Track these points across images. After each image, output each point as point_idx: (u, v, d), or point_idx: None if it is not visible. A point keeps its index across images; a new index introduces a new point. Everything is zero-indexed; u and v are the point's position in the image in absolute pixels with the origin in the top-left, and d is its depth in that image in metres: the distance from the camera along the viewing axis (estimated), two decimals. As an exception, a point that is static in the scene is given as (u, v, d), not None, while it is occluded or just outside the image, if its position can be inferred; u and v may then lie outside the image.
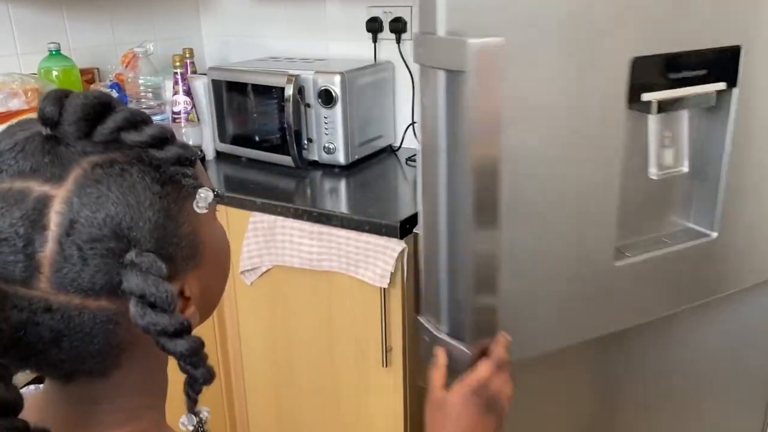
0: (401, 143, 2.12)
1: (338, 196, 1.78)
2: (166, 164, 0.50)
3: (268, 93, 1.91)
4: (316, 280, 1.65)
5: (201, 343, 0.50)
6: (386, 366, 1.61)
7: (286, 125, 1.85)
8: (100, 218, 0.46)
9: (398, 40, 2.04)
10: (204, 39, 2.46)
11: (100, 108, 0.48)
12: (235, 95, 1.99)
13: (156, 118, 1.79)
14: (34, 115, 0.49)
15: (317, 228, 1.60)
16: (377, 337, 1.60)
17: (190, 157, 0.52)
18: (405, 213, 1.55)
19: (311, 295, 1.68)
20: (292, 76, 1.84)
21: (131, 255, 0.46)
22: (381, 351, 1.60)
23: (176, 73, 1.95)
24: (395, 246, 1.51)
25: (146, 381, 0.55)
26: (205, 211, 0.52)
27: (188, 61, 2.04)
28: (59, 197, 0.45)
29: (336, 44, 2.18)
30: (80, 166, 0.47)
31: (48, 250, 0.45)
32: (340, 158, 1.90)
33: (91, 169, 0.47)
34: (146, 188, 0.48)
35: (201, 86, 2.01)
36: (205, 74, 2.06)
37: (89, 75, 2.06)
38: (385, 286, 1.53)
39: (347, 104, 1.86)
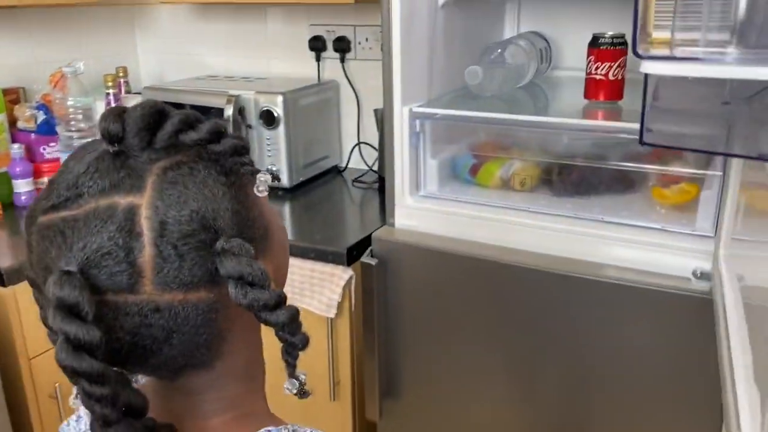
0: (347, 164, 2.06)
1: (282, 221, 1.71)
2: (224, 156, 0.53)
3: (207, 114, 1.82)
4: (260, 310, 1.56)
5: (297, 311, 0.54)
6: (334, 400, 1.54)
7: (226, 147, 1.77)
8: (186, 215, 0.49)
9: (342, 60, 1.99)
10: (140, 57, 2.35)
11: (157, 116, 0.51)
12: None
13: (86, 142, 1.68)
14: (96, 136, 0.53)
15: (260, 256, 1.52)
16: (325, 370, 1.53)
17: (246, 146, 0.55)
18: (352, 239, 1.50)
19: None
20: (232, 96, 1.77)
21: (221, 243, 0.49)
22: (329, 384, 1.53)
23: (108, 93, 1.85)
24: (342, 274, 1.45)
25: (245, 368, 0.59)
26: (266, 193, 0.56)
27: (121, 80, 1.94)
28: (144, 204, 0.48)
29: (278, 62, 2.12)
30: (153, 172, 0.50)
31: (147, 254, 0.48)
32: (284, 181, 1.83)
33: (163, 173, 0.50)
34: (215, 180, 0.51)
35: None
36: (140, 93, 1.96)
37: (14, 95, 1.93)
38: (332, 316, 1.46)
39: (290, 125, 1.79)
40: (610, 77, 1.27)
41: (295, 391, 0.61)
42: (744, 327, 0.85)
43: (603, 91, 1.29)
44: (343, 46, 1.97)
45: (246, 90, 1.81)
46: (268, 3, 1.99)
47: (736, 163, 0.99)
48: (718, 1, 0.48)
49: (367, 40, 1.95)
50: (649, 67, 0.51)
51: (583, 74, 1.35)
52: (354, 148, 2.05)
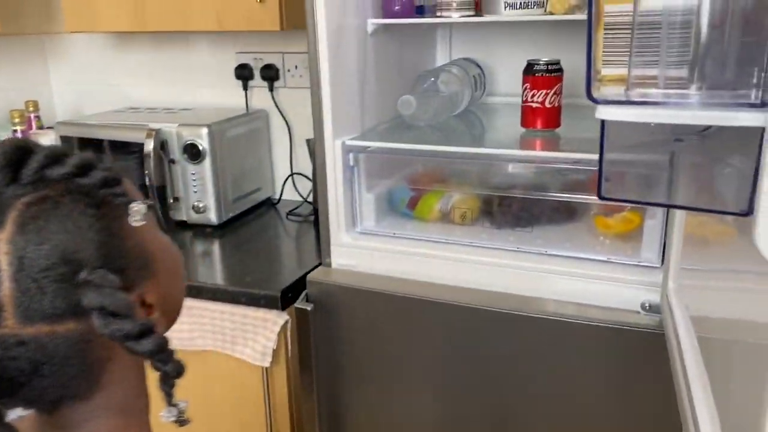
0: (281, 195, 1.97)
1: (211, 263, 1.60)
2: (94, 189, 0.53)
3: (127, 148, 1.70)
4: (189, 361, 1.44)
5: (166, 341, 0.55)
6: (273, 453, 1.44)
7: (147, 183, 1.65)
8: (46, 249, 0.49)
9: (271, 88, 1.90)
10: (54, 89, 2.20)
11: (20, 152, 0.51)
12: (89, 153, 1.76)
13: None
14: None
15: (187, 302, 1.40)
16: (261, 422, 1.42)
17: (116, 177, 0.55)
18: (287, 279, 1.40)
19: (183, 379, 1.47)
20: (152, 130, 1.65)
21: (83, 274, 0.50)
22: (266, 437, 1.42)
23: (15, 130, 1.70)
24: (277, 319, 1.35)
25: (128, 400, 0.58)
26: (141, 223, 0.55)
27: (31, 115, 1.80)
28: (4, 239, 0.49)
29: (204, 92, 2.01)
30: (15, 208, 0.50)
31: (6, 288, 0.48)
32: (212, 217, 1.72)
33: (26, 208, 0.50)
34: (82, 213, 0.51)
35: (48, 144, 1.76)
36: (52, 128, 1.82)
37: None
38: (267, 365, 1.36)
39: (217, 158, 1.69)
40: (547, 105, 1.24)
41: (173, 419, 0.60)
42: (701, 363, 0.81)
43: (540, 119, 1.25)
44: (271, 74, 1.89)
45: (168, 123, 1.70)
46: (188, 32, 1.89)
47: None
48: (677, 32, 0.43)
49: (296, 67, 1.87)
50: (605, 113, 0.46)
51: (517, 100, 1.33)
52: (287, 179, 1.96)
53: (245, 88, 1.93)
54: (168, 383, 0.58)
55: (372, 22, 1.31)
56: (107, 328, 0.50)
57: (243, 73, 1.91)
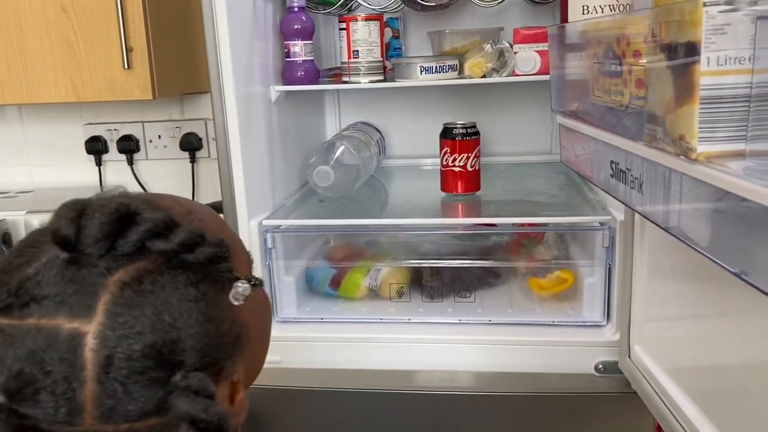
0: (148, 283, 1.73)
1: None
2: (198, 265, 0.47)
3: (-46, 246, 1.39)
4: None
5: None
6: None
7: (-12, 287, 1.35)
8: (139, 349, 0.43)
9: (130, 161, 1.68)
10: None
11: (119, 223, 0.45)
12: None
13: None
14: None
15: None
16: None
17: (224, 255, 0.48)
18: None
19: None
20: (-8, 220, 1.37)
21: (177, 377, 0.44)
22: None
23: None
24: None
25: None
26: (242, 302, 0.49)
27: None
28: (92, 332, 0.43)
29: (44, 170, 1.72)
30: (107, 290, 0.44)
31: (88, 389, 0.42)
32: (74, 318, 1.45)
33: (119, 291, 0.44)
34: (181, 298, 0.45)
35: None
36: None
37: None
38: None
39: (77, 248, 1.44)
40: (469, 168, 1.20)
41: None
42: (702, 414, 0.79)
43: (462, 183, 1.21)
44: (129, 146, 1.67)
45: (11, 210, 1.41)
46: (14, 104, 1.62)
47: (639, 247, 0.96)
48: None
49: (159, 137, 1.68)
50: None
51: (412, 162, 1.43)
52: (155, 263, 1.72)
53: (98, 163, 1.69)
54: None
55: (276, 89, 1.19)
56: None
57: (95, 147, 1.67)
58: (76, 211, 0.45)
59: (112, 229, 0.44)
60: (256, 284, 0.50)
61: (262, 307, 0.56)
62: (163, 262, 0.46)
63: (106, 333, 0.42)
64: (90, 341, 0.42)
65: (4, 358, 0.42)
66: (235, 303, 0.49)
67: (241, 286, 0.49)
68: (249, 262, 0.57)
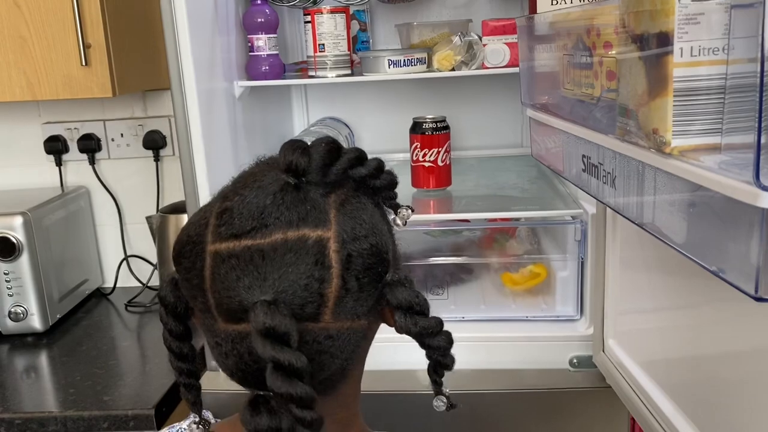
0: (115, 284, 1.68)
1: (40, 383, 1.28)
2: (380, 190, 0.56)
3: None
4: None
5: (451, 335, 0.57)
6: None
7: (-57, 294, 1.30)
8: (366, 248, 0.51)
9: (92, 161, 1.63)
10: None
11: (336, 152, 0.54)
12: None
13: None
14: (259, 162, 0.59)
15: (25, 442, 1.10)
16: None
17: (396, 182, 0.58)
18: (156, 391, 1.17)
19: None
20: (-55, 225, 1.31)
21: (390, 274, 0.53)
22: None
23: None
24: (154, 442, 1.11)
25: (356, 393, 0.60)
26: (403, 226, 0.59)
27: None
28: (332, 237, 0.50)
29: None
30: (332, 207, 0.52)
31: (334, 286, 0.49)
32: (36, 323, 1.40)
33: (341, 206, 0.52)
34: (374, 212, 0.55)
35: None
36: None
37: None
38: (149, 502, 1.11)
39: (36, 252, 1.39)
40: (440, 163, 1.19)
41: (443, 407, 0.62)
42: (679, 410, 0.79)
43: (433, 179, 1.20)
44: (91, 145, 1.62)
45: (-35, 214, 1.36)
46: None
47: (611, 238, 0.95)
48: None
49: (122, 135, 1.63)
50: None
51: (382, 157, 1.28)
52: (121, 264, 1.68)
53: (58, 163, 1.63)
54: (440, 373, 0.60)
55: (240, 85, 1.16)
56: (416, 326, 0.52)
57: (55, 147, 1.61)
58: (304, 144, 0.53)
59: (329, 159, 0.52)
60: (413, 209, 0.60)
61: None
62: (355, 188, 0.55)
63: (343, 236, 0.50)
64: (332, 244, 0.50)
65: (267, 273, 0.48)
66: (400, 224, 0.58)
67: (406, 211, 0.59)
68: None
